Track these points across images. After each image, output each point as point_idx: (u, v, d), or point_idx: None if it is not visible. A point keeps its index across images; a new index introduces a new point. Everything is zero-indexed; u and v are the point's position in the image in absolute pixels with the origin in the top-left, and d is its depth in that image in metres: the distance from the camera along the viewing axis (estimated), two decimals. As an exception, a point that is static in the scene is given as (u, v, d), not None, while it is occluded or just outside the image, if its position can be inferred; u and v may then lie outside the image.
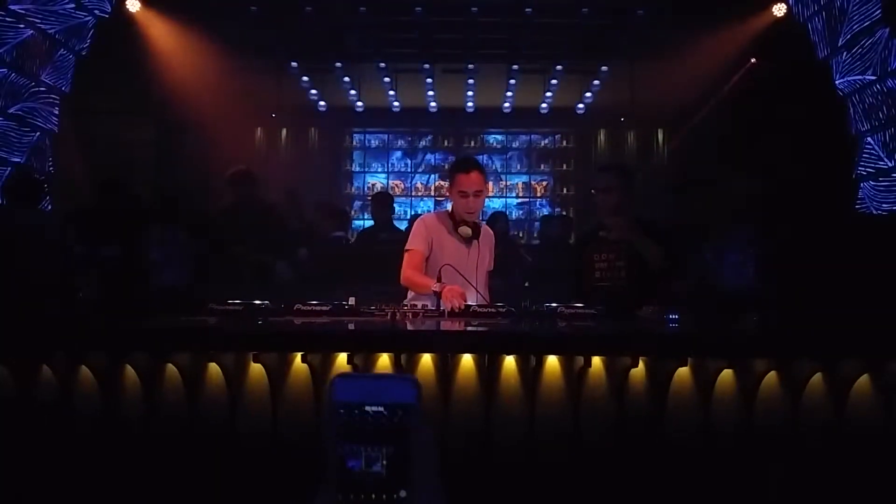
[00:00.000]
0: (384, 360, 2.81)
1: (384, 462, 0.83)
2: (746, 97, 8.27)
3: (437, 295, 3.51)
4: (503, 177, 11.67)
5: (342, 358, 2.77)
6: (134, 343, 2.86)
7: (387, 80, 9.52)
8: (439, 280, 3.61)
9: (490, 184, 3.87)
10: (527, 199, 11.62)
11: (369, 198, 9.66)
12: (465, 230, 3.77)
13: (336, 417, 0.83)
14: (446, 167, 11.55)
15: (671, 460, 2.75)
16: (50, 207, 6.47)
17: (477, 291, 3.70)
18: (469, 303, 3.48)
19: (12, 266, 4.23)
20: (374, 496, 0.83)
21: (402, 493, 0.81)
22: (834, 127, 6.70)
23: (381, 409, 0.85)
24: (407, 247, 3.87)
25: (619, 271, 3.94)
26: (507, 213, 11.11)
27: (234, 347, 2.82)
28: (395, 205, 6.84)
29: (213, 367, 2.82)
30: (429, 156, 11.69)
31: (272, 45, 8.19)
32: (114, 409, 2.85)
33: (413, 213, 11.07)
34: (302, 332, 2.94)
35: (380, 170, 11.64)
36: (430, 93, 9.91)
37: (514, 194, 11.66)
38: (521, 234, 10.77)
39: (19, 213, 4.78)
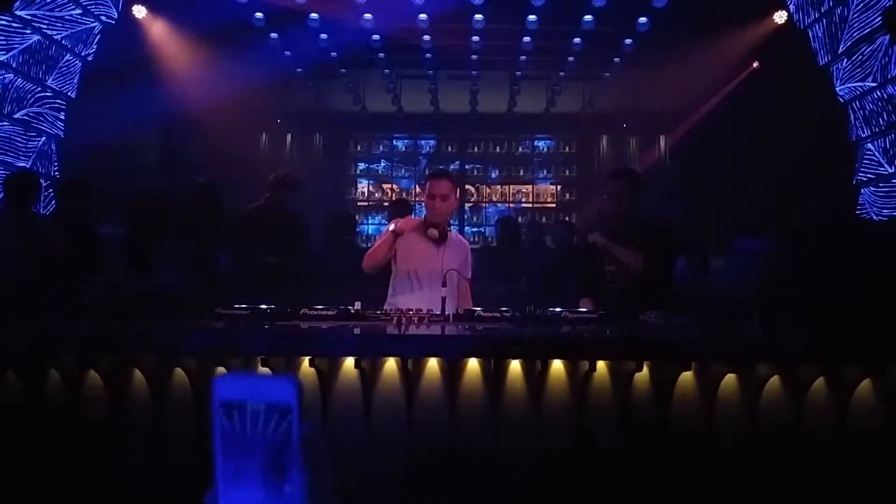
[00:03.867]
0: (391, 365, 2.83)
1: (266, 462, 0.86)
2: (748, 102, 8.32)
3: (396, 234, 3.92)
4: (507, 181, 11.71)
5: (349, 362, 2.79)
6: (142, 347, 2.88)
7: (391, 86, 9.56)
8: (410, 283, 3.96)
9: (457, 191, 4.16)
10: (529, 205, 11.64)
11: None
12: (433, 232, 3.99)
13: (217, 417, 0.86)
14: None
15: (675, 463, 2.78)
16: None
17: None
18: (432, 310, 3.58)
19: (16, 267, 4.26)
20: (259, 495, 0.86)
21: (287, 489, 0.85)
22: (834, 133, 6.73)
23: (261, 407, 0.87)
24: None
25: (627, 275, 3.98)
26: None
27: (241, 352, 2.84)
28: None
29: (221, 372, 2.84)
30: (432, 161, 11.73)
31: (277, 51, 8.23)
32: (121, 412, 2.87)
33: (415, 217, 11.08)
34: (309, 336, 2.96)
35: (383, 175, 11.68)
36: (435, 98, 9.96)
37: (517, 199, 11.69)
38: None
39: (19, 214, 4.79)
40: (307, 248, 5.64)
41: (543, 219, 11.32)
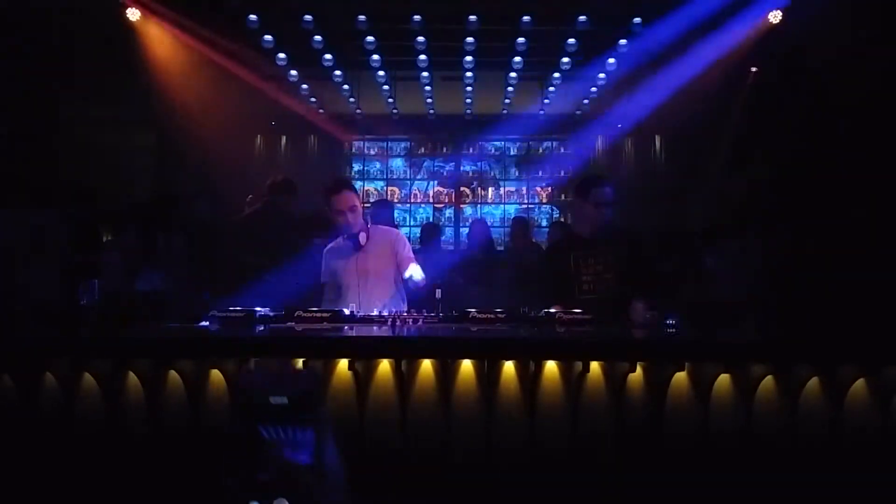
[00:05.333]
0: (384, 366, 2.83)
1: (288, 443, 0.92)
2: (743, 101, 8.34)
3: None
4: (501, 183, 11.71)
5: (343, 364, 2.79)
6: (136, 350, 2.88)
7: (385, 87, 9.56)
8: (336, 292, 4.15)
9: (359, 197, 4.24)
10: (524, 205, 11.65)
11: (367, 204, 9.89)
12: (349, 243, 4.18)
13: (244, 407, 0.92)
14: (444, 173, 11.62)
15: (669, 464, 2.78)
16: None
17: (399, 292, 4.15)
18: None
19: (15, 270, 4.25)
20: (281, 471, 0.92)
21: (304, 460, 0.91)
22: (830, 131, 6.74)
23: (284, 400, 0.93)
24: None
25: (607, 282, 3.95)
26: (505, 218, 11.17)
27: (235, 354, 2.84)
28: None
29: (216, 374, 2.85)
30: (427, 162, 11.73)
31: (272, 53, 8.22)
32: (117, 415, 2.87)
33: (412, 219, 11.11)
34: (303, 338, 2.96)
35: (379, 177, 11.68)
36: (429, 100, 9.95)
37: (512, 200, 11.69)
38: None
39: (23, 217, 4.78)
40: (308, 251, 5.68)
41: (543, 220, 11.36)
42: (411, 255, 4.21)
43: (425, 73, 9.06)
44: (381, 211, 6.65)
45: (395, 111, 10.22)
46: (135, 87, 7.54)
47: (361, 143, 11.69)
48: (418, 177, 11.70)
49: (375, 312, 3.60)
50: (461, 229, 11.45)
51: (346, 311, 3.48)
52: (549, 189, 11.65)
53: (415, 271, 3.92)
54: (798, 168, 6.90)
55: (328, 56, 8.38)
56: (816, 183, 6.67)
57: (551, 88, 9.58)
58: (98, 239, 5.15)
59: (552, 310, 3.45)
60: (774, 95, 7.49)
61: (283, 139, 10.92)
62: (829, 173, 6.76)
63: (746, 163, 7.92)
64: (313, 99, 9.89)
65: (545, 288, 4.14)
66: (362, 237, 4.14)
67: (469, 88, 9.56)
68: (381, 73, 9.04)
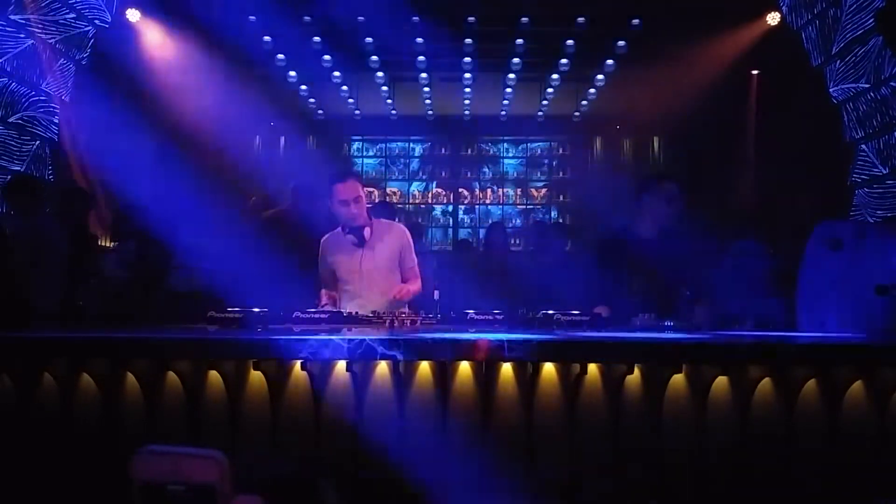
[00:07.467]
0: (382, 368, 2.83)
1: None
2: (741, 103, 8.35)
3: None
4: (499, 184, 11.72)
5: (341, 365, 2.79)
6: (135, 351, 2.88)
7: (384, 88, 9.57)
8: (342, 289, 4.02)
9: (364, 187, 4.11)
10: (524, 207, 11.66)
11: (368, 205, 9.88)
12: (350, 237, 3.97)
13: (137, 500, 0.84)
14: (443, 174, 11.63)
15: (666, 466, 2.78)
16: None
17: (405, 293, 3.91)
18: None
19: (13, 272, 4.25)
20: None
21: None
22: (828, 134, 6.75)
23: (182, 488, 0.85)
24: None
25: (661, 281, 3.92)
26: (507, 219, 11.17)
27: (234, 355, 2.83)
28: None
29: (214, 375, 2.84)
30: (426, 163, 11.75)
31: (271, 54, 8.23)
32: (115, 416, 2.87)
33: (408, 220, 11.12)
34: (300, 339, 2.96)
35: (377, 177, 11.69)
36: (428, 101, 9.97)
37: (510, 201, 11.70)
38: (517, 241, 10.78)
39: (19, 219, 4.80)
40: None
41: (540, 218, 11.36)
42: (414, 263, 4.05)
43: (424, 75, 9.07)
44: (382, 213, 6.67)
45: (393, 112, 10.23)
46: (133, 86, 7.55)
47: (360, 143, 11.70)
48: (417, 178, 11.72)
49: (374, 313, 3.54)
50: (459, 230, 11.46)
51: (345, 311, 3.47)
52: (546, 190, 11.66)
53: (403, 291, 3.84)
54: (797, 167, 6.91)
55: (327, 57, 8.39)
56: (815, 182, 6.69)
57: (550, 90, 9.59)
58: (91, 240, 5.16)
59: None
60: (772, 94, 7.50)
61: (282, 139, 10.93)
62: (828, 172, 6.78)
63: (746, 163, 7.94)
64: (312, 100, 9.89)
65: (594, 289, 4.01)
66: (367, 232, 3.95)
67: (467, 90, 9.57)
68: (379, 74, 9.04)
